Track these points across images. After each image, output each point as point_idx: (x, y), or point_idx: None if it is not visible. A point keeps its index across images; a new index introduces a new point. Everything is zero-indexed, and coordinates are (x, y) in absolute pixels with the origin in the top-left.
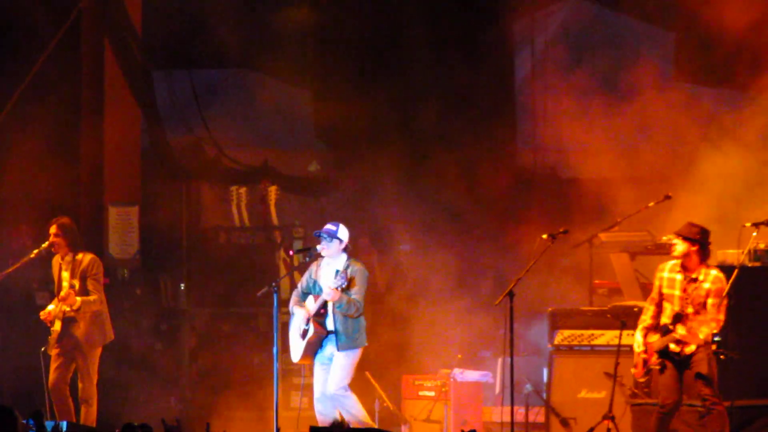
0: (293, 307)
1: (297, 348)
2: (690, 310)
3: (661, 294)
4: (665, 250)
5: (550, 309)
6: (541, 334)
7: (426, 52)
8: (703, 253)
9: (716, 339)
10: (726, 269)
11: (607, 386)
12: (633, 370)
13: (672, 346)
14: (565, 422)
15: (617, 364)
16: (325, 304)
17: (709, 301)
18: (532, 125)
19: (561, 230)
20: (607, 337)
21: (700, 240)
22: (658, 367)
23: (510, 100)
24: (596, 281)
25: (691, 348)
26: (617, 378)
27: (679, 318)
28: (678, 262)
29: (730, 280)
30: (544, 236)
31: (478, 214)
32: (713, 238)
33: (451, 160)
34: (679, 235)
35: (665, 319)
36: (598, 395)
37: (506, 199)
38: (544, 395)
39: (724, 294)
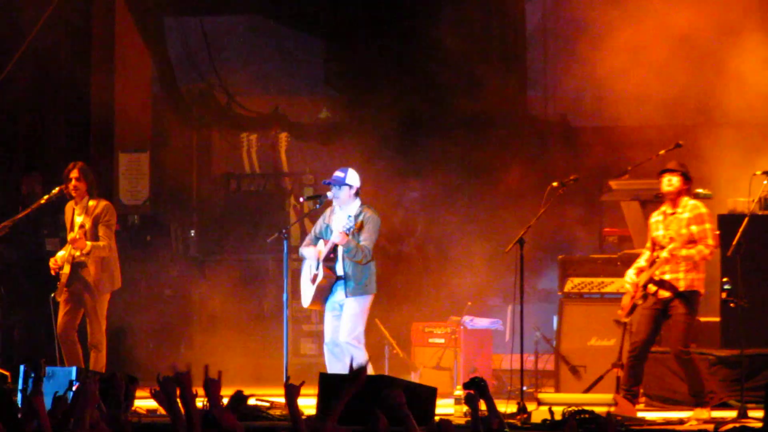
0: (303, 250)
1: (307, 293)
2: (673, 245)
3: (653, 240)
4: None
5: (560, 256)
6: (551, 282)
7: (437, 1)
8: (690, 188)
9: (726, 287)
10: (736, 217)
11: (617, 334)
12: (619, 312)
13: (650, 287)
14: (574, 370)
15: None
16: (335, 249)
17: (693, 228)
18: (542, 73)
19: (571, 178)
20: (617, 284)
21: (690, 176)
22: (641, 301)
23: (521, 48)
24: (606, 229)
25: (664, 293)
26: (627, 326)
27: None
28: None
29: (740, 229)
30: (555, 184)
31: (488, 162)
32: (727, 187)
33: (461, 107)
34: (676, 171)
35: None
36: (607, 343)
37: (516, 146)
38: (554, 343)
39: (707, 220)
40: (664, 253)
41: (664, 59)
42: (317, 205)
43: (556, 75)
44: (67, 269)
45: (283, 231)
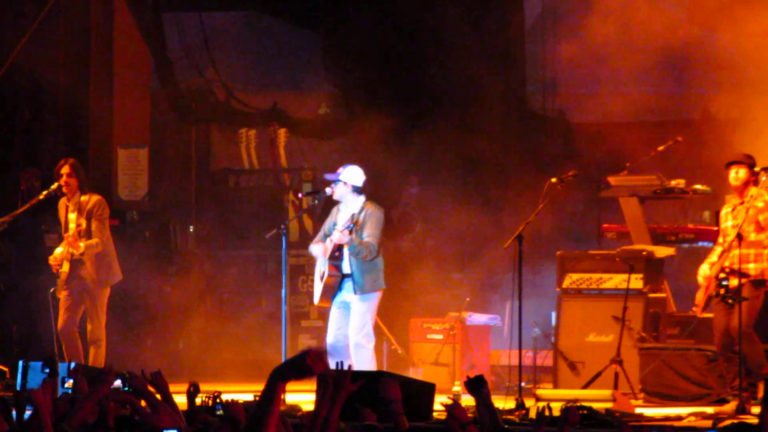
0: (311, 248)
1: (317, 290)
2: (745, 232)
3: (722, 231)
4: (674, 194)
5: (558, 252)
6: (549, 278)
7: None
8: (758, 179)
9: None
10: None
11: (615, 330)
12: (694, 308)
13: (721, 276)
14: (572, 366)
15: (625, 308)
16: (340, 247)
17: (760, 217)
18: (541, 69)
19: (570, 174)
20: (615, 280)
21: (756, 166)
22: (715, 292)
23: (520, 43)
24: (605, 225)
25: (733, 281)
26: (625, 322)
27: (739, 238)
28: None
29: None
30: (553, 180)
31: (486, 158)
32: (726, 183)
33: (460, 102)
34: (743, 163)
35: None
36: (606, 339)
37: (515, 142)
38: (552, 339)
39: None
40: (732, 236)
41: (663, 55)
42: (316, 201)
43: (554, 71)
44: (66, 267)
45: (282, 226)
